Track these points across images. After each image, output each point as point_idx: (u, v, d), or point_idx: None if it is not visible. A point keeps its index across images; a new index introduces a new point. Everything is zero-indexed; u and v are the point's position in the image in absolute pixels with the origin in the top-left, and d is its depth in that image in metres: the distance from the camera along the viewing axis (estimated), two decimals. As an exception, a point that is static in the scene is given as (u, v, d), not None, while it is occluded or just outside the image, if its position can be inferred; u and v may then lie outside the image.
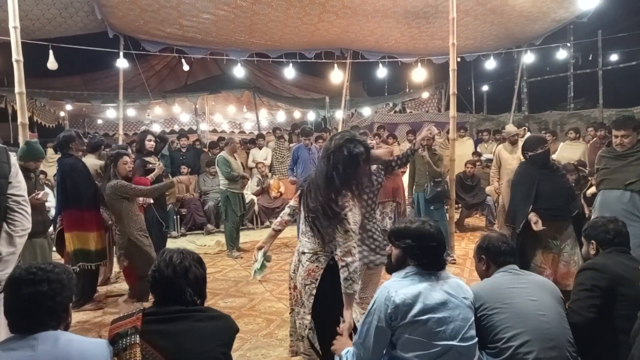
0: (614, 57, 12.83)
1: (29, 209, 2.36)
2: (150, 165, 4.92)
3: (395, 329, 1.84)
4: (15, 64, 4.31)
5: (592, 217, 3.73)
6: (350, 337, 2.16)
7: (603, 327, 2.16)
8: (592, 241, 2.50)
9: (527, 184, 3.78)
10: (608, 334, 2.16)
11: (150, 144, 5.06)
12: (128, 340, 1.49)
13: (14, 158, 2.39)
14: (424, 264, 1.96)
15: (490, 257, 2.31)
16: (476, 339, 1.93)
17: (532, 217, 3.63)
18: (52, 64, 7.65)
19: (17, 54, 4.31)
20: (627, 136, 3.69)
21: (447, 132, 7.66)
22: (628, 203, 3.65)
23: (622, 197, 3.71)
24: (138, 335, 1.51)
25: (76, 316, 4.03)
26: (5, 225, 2.27)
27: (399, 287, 1.88)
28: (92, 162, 4.75)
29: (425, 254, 1.96)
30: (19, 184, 2.33)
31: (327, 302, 2.27)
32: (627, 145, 3.71)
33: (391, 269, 2.08)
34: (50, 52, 7.59)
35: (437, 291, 1.88)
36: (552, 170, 3.85)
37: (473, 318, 1.96)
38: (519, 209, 3.79)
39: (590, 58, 12.31)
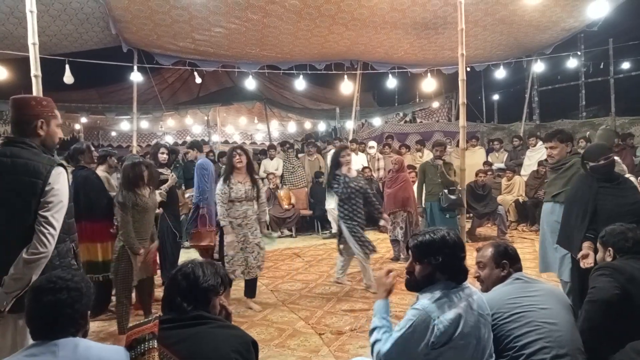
0: (625, 65, 12.75)
1: (49, 231, 2.09)
2: (163, 177, 5.05)
3: (434, 352, 1.79)
4: (33, 79, 4.42)
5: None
6: None
7: (614, 335, 2.15)
8: (610, 248, 2.50)
9: (585, 200, 3.25)
10: (618, 342, 2.14)
11: (163, 156, 5.25)
12: (146, 346, 1.54)
13: (55, 173, 2.17)
14: (457, 278, 1.90)
15: (512, 263, 2.30)
16: (494, 355, 1.94)
17: (585, 248, 3.04)
18: (68, 78, 7.87)
19: (35, 70, 4.42)
20: (554, 148, 3.70)
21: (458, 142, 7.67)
22: (558, 214, 3.55)
23: (553, 208, 3.70)
24: (156, 341, 1.56)
25: (91, 326, 4.06)
26: None
27: (439, 311, 1.79)
28: (101, 174, 4.83)
29: (458, 267, 1.91)
30: (47, 205, 2.12)
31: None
32: (555, 157, 3.72)
33: (415, 286, 1.97)
34: (67, 66, 7.81)
35: (473, 313, 1.85)
36: (617, 184, 3.29)
37: (492, 334, 1.97)
38: (575, 231, 3.25)
39: (601, 66, 12.27)
